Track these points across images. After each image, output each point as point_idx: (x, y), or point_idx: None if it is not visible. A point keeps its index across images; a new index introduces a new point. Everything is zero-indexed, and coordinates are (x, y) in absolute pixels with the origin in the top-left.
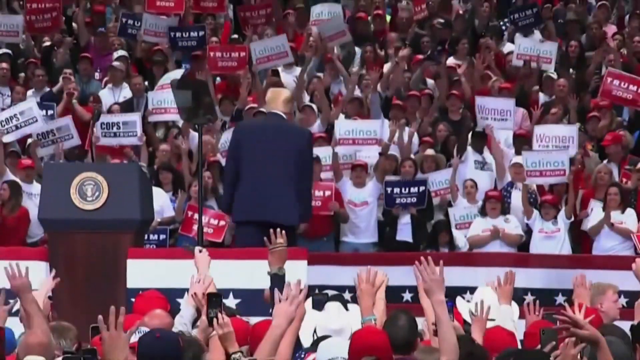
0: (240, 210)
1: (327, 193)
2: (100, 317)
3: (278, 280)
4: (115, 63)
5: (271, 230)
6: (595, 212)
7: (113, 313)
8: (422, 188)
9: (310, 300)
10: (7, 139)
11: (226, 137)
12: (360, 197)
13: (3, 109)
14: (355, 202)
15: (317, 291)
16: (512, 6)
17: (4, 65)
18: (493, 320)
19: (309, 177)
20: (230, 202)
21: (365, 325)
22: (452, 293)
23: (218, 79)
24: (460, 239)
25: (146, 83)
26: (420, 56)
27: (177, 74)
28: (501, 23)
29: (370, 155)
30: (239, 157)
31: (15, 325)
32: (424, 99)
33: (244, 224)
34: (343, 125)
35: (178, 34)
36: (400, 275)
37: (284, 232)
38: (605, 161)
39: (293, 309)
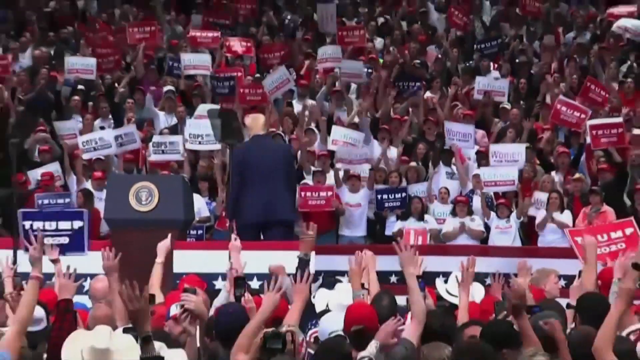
0: (250, 213)
1: (329, 193)
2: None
3: (304, 263)
4: (168, 96)
5: (303, 223)
6: (541, 212)
7: (135, 286)
8: (404, 194)
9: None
10: (86, 156)
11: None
12: (354, 200)
13: (80, 132)
14: (351, 203)
15: (322, 275)
16: (479, 39)
17: (77, 97)
18: (456, 296)
19: (294, 181)
20: (235, 211)
21: (357, 300)
22: (430, 277)
23: None
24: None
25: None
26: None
27: (211, 105)
28: (467, 64)
29: (362, 169)
30: (244, 173)
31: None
32: (404, 123)
33: (250, 226)
34: (338, 130)
35: (215, 82)
36: (388, 262)
37: (315, 225)
38: (553, 172)
39: (307, 288)
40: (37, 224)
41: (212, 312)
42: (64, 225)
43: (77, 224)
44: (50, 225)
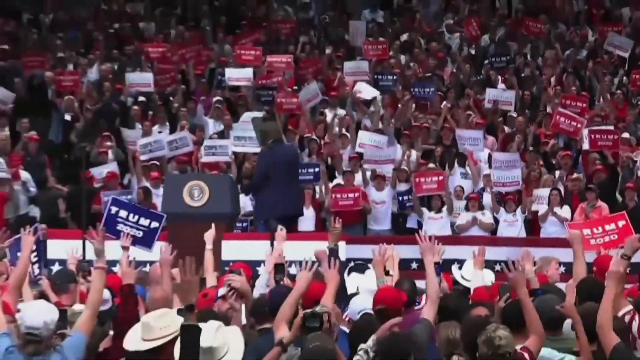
0: (281, 207)
1: (357, 194)
2: (180, 261)
3: (334, 252)
4: (217, 105)
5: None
6: (542, 207)
7: (188, 262)
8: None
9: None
10: (143, 157)
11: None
12: (380, 197)
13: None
14: (377, 201)
15: (352, 262)
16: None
17: (137, 107)
18: (469, 280)
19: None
20: (256, 191)
21: (381, 285)
22: (446, 264)
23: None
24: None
25: None
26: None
27: (254, 113)
28: (478, 77)
29: (387, 170)
30: (271, 171)
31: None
32: (424, 130)
33: (281, 218)
34: (364, 135)
35: (259, 92)
36: (409, 251)
37: (340, 220)
38: (556, 171)
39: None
40: (123, 213)
41: (255, 293)
42: (144, 221)
43: (154, 224)
44: (134, 217)
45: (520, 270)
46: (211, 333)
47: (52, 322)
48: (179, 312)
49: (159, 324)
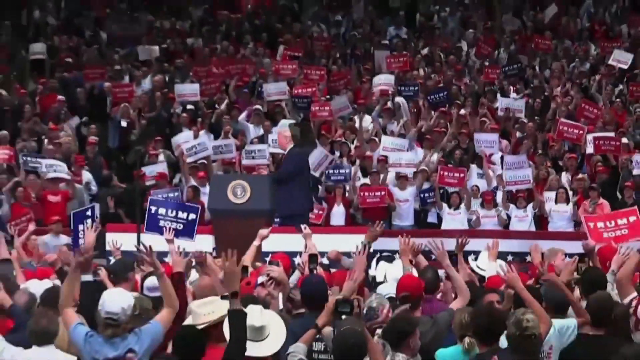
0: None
1: (383, 193)
2: (223, 253)
3: (367, 249)
4: (256, 112)
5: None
6: (550, 204)
7: (230, 253)
8: (441, 192)
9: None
10: (189, 160)
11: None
12: (403, 196)
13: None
14: (400, 199)
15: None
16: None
17: (185, 115)
18: (484, 270)
19: None
20: (290, 202)
21: (406, 273)
22: (464, 255)
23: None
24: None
25: None
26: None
27: (290, 120)
28: (492, 87)
29: (409, 172)
30: (301, 171)
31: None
32: (442, 134)
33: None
34: (387, 139)
35: (296, 100)
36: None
37: (383, 224)
38: (563, 172)
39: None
40: (162, 210)
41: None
42: (182, 215)
43: (192, 216)
44: (172, 212)
45: (515, 272)
46: (258, 314)
47: (128, 308)
48: (224, 298)
49: (203, 310)
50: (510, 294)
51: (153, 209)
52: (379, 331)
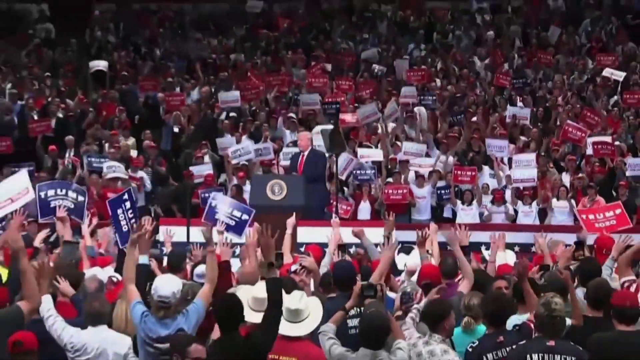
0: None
1: (405, 190)
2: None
3: (388, 239)
4: (292, 119)
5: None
6: (552, 200)
7: (265, 226)
8: (456, 189)
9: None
10: (233, 161)
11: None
12: (421, 193)
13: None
14: (419, 196)
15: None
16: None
17: (227, 121)
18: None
19: None
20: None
21: (424, 261)
22: (476, 246)
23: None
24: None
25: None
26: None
27: (323, 126)
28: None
29: (426, 172)
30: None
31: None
32: (456, 138)
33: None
34: (407, 144)
35: (326, 106)
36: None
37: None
38: (564, 172)
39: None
40: (221, 206)
41: (322, 270)
42: (237, 213)
43: (245, 216)
44: (229, 209)
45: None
46: (297, 299)
47: (178, 292)
48: (262, 265)
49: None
50: (515, 282)
51: (213, 203)
52: (411, 314)
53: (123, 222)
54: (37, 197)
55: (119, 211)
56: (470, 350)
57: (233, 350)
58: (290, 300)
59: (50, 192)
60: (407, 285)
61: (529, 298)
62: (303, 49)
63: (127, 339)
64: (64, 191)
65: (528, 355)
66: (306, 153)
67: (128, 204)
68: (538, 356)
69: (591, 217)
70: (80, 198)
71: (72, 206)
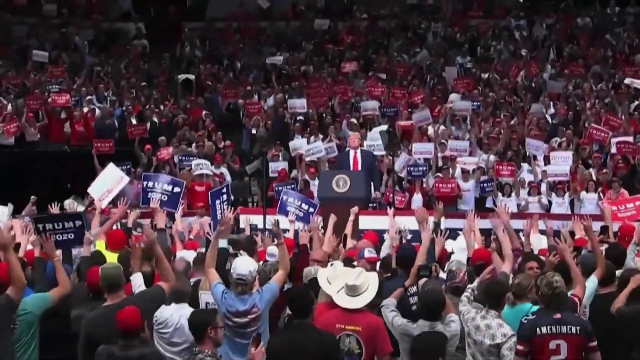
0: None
1: (453, 185)
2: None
3: (438, 225)
4: (354, 122)
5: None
6: (582, 192)
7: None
8: (496, 182)
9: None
10: (307, 159)
11: (401, 159)
12: (466, 187)
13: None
14: (464, 189)
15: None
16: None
17: (297, 124)
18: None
19: None
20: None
21: (470, 247)
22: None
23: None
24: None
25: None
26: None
27: (380, 127)
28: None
29: (471, 168)
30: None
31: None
32: (497, 139)
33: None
34: (453, 143)
35: (384, 110)
36: (488, 223)
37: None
38: (591, 169)
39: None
40: (291, 199)
41: (382, 253)
42: (305, 206)
43: (311, 209)
44: (298, 202)
45: (565, 244)
46: (356, 275)
47: (254, 271)
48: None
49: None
50: (551, 261)
51: (284, 197)
52: (466, 293)
53: (219, 212)
54: (142, 185)
55: (217, 202)
56: (524, 322)
57: (302, 335)
58: (350, 277)
59: (150, 184)
60: (454, 264)
61: (574, 274)
62: (364, 61)
63: None
64: (160, 184)
65: (538, 328)
66: (358, 152)
67: (225, 197)
68: (547, 328)
69: (614, 208)
70: (177, 189)
71: (165, 198)
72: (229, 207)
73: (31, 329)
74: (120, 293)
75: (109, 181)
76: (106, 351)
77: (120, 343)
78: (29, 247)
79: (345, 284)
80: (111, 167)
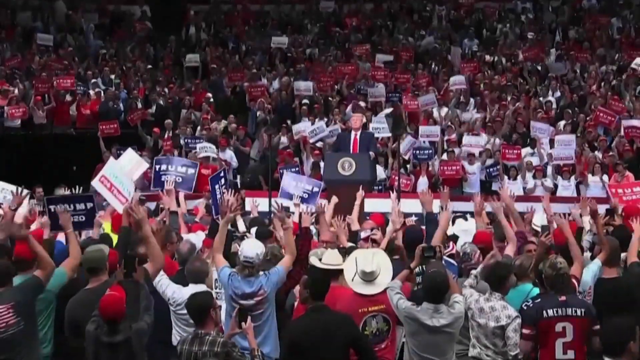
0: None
1: (458, 167)
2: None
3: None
4: (359, 107)
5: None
6: (589, 176)
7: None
8: (500, 166)
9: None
10: (311, 141)
11: (406, 142)
12: (472, 170)
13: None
14: (470, 172)
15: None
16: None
17: (305, 107)
18: (538, 226)
19: None
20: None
21: (479, 230)
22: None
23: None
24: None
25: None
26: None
27: (386, 110)
28: (542, 85)
29: (476, 151)
30: None
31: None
32: (501, 122)
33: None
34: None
35: (390, 94)
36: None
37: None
38: (596, 151)
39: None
40: (293, 183)
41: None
42: (308, 187)
43: (316, 189)
44: (301, 184)
45: (565, 221)
46: (369, 259)
47: (261, 254)
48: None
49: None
50: (543, 242)
51: (286, 181)
52: (473, 271)
53: (219, 196)
54: (155, 169)
55: (216, 186)
56: (530, 305)
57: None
58: (364, 263)
59: (164, 167)
60: (467, 246)
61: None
62: (370, 44)
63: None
64: (174, 166)
65: (544, 311)
66: (358, 133)
67: (223, 180)
68: (553, 311)
69: (620, 191)
70: (191, 171)
71: (180, 180)
72: (228, 190)
73: (49, 308)
74: (101, 276)
75: (127, 166)
76: (94, 336)
77: (106, 329)
78: (34, 227)
79: (360, 271)
80: (129, 152)
